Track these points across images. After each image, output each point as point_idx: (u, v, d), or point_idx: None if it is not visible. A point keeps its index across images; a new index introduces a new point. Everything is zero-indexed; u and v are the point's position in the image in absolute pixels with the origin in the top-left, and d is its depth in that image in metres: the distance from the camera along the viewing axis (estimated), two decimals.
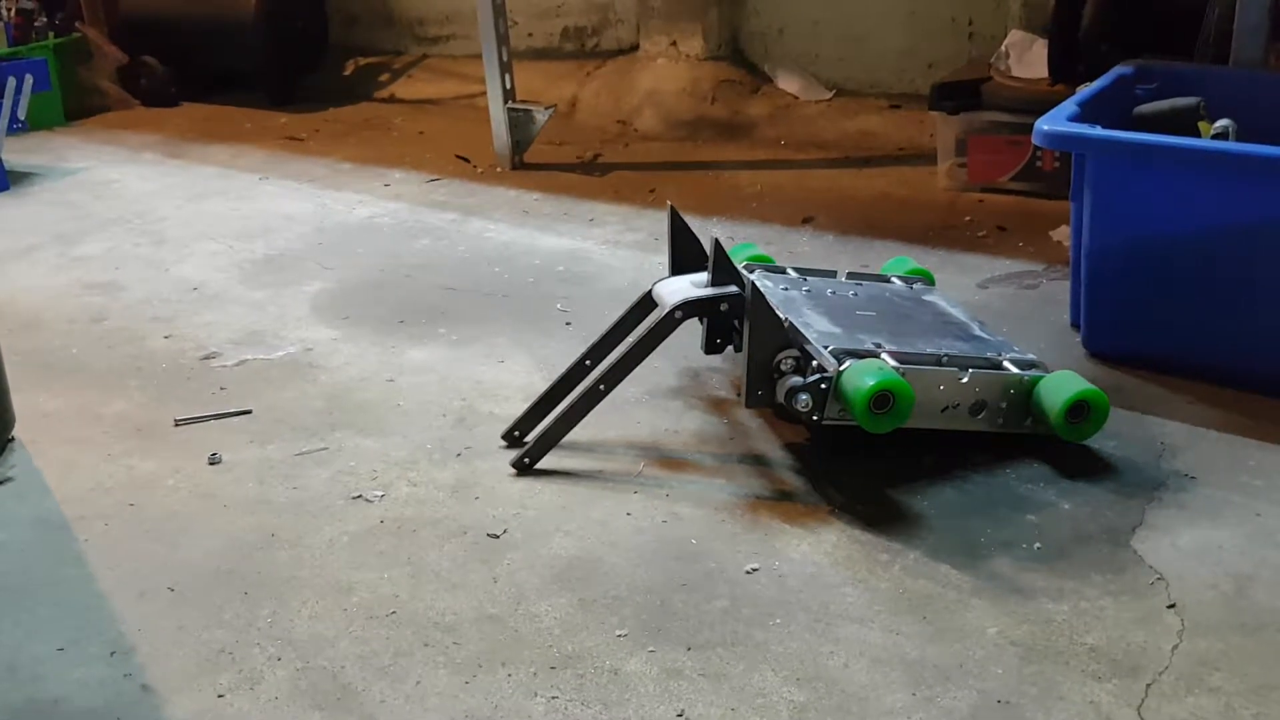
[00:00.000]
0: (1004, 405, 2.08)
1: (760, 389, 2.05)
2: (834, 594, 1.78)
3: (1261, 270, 2.20)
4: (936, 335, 2.20)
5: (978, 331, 2.28)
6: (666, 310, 2.12)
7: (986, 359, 2.12)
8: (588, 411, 2.13)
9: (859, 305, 2.31)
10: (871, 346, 2.08)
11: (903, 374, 1.97)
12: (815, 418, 1.99)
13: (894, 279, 2.52)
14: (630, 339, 2.18)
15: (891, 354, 2.05)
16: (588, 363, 2.22)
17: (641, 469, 2.14)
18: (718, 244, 2.15)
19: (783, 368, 2.03)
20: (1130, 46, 2.96)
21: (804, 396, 1.98)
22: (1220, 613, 1.69)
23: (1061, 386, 2.06)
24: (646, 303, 2.25)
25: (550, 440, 2.13)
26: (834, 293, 2.35)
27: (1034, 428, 2.11)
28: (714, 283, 2.15)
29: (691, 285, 2.18)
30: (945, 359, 2.08)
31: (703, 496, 2.05)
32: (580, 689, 1.62)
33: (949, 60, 3.96)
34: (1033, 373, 2.10)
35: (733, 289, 2.13)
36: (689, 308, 2.13)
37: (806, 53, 4.31)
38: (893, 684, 1.60)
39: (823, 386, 1.98)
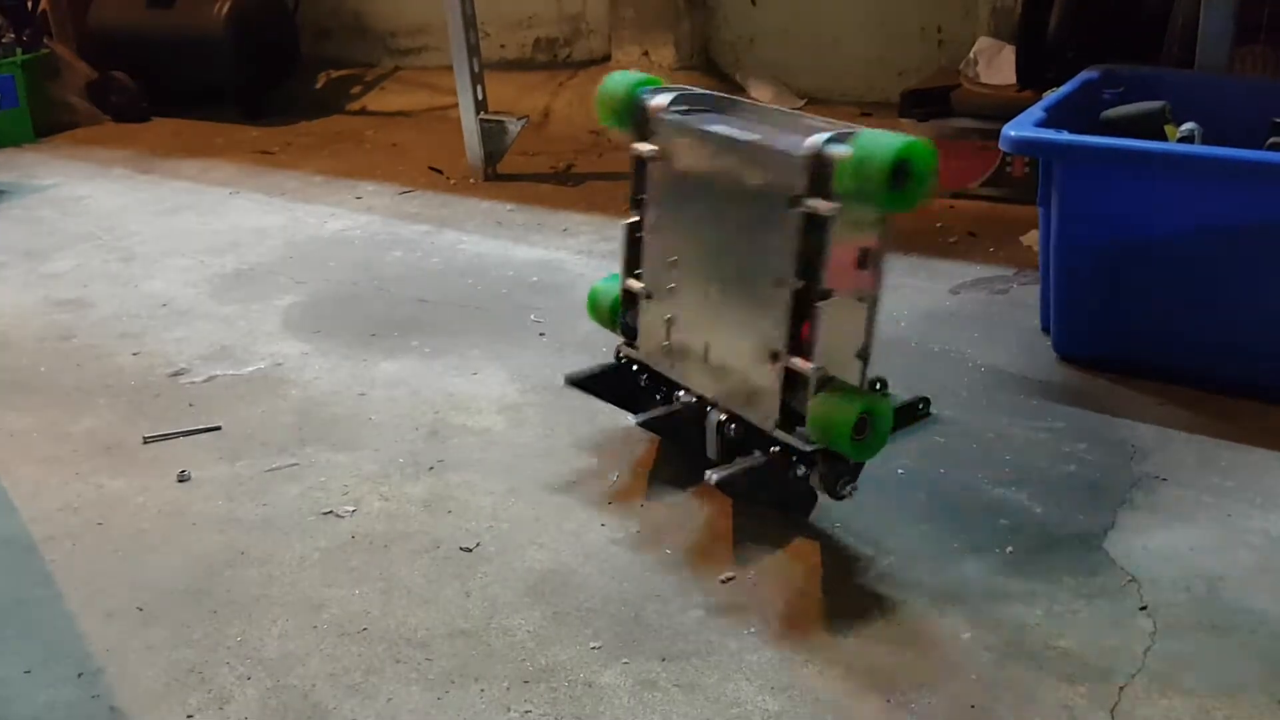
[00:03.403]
0: None
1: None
2: (808, 601, 1.78)
3: (1228, 272, 2.21)
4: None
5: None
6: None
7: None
8: None
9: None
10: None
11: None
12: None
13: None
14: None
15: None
16: None
17: (615, 479, 2.13)
18: None
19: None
20: (1097, 52, 2.98)
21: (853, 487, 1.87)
22: (1192, 614, 1.70)
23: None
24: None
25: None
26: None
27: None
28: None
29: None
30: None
31: (677, 506, 2.04)
32: (554, 703, 1.61)
33: (918, 68, 3.99)
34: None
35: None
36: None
37: (777, 62, 4.33)
38: (867, 691, 1.59)
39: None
